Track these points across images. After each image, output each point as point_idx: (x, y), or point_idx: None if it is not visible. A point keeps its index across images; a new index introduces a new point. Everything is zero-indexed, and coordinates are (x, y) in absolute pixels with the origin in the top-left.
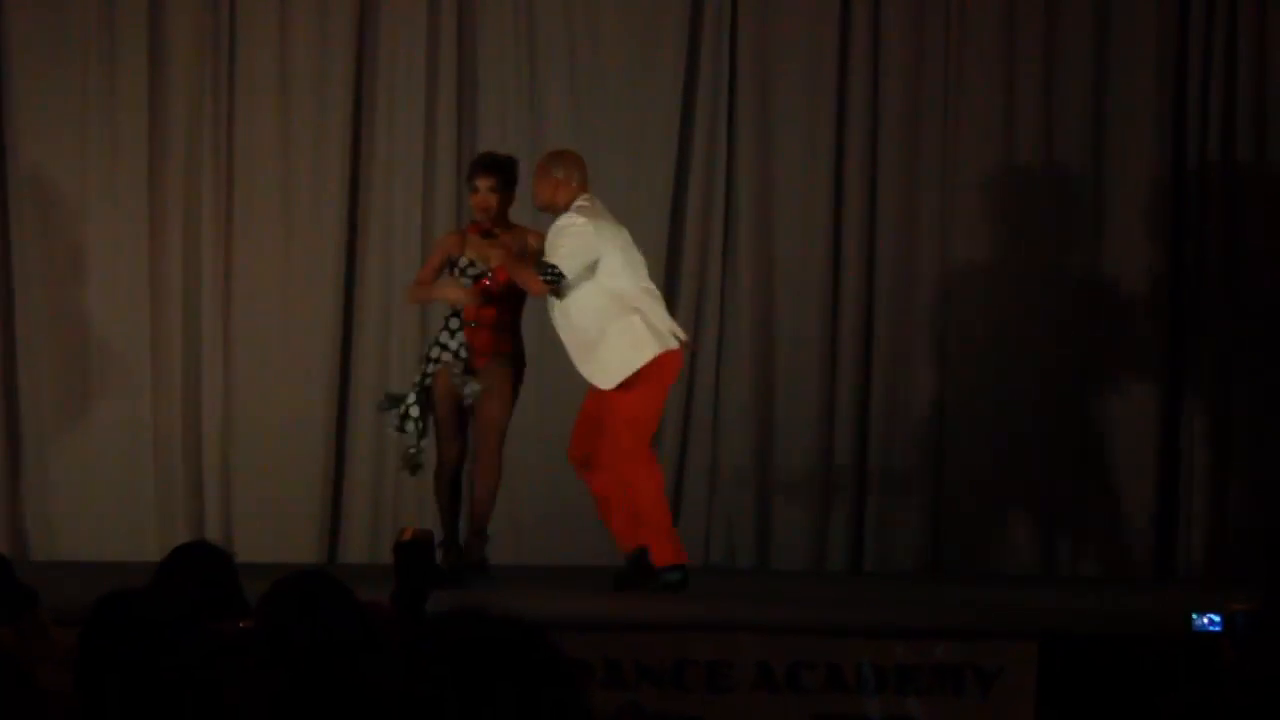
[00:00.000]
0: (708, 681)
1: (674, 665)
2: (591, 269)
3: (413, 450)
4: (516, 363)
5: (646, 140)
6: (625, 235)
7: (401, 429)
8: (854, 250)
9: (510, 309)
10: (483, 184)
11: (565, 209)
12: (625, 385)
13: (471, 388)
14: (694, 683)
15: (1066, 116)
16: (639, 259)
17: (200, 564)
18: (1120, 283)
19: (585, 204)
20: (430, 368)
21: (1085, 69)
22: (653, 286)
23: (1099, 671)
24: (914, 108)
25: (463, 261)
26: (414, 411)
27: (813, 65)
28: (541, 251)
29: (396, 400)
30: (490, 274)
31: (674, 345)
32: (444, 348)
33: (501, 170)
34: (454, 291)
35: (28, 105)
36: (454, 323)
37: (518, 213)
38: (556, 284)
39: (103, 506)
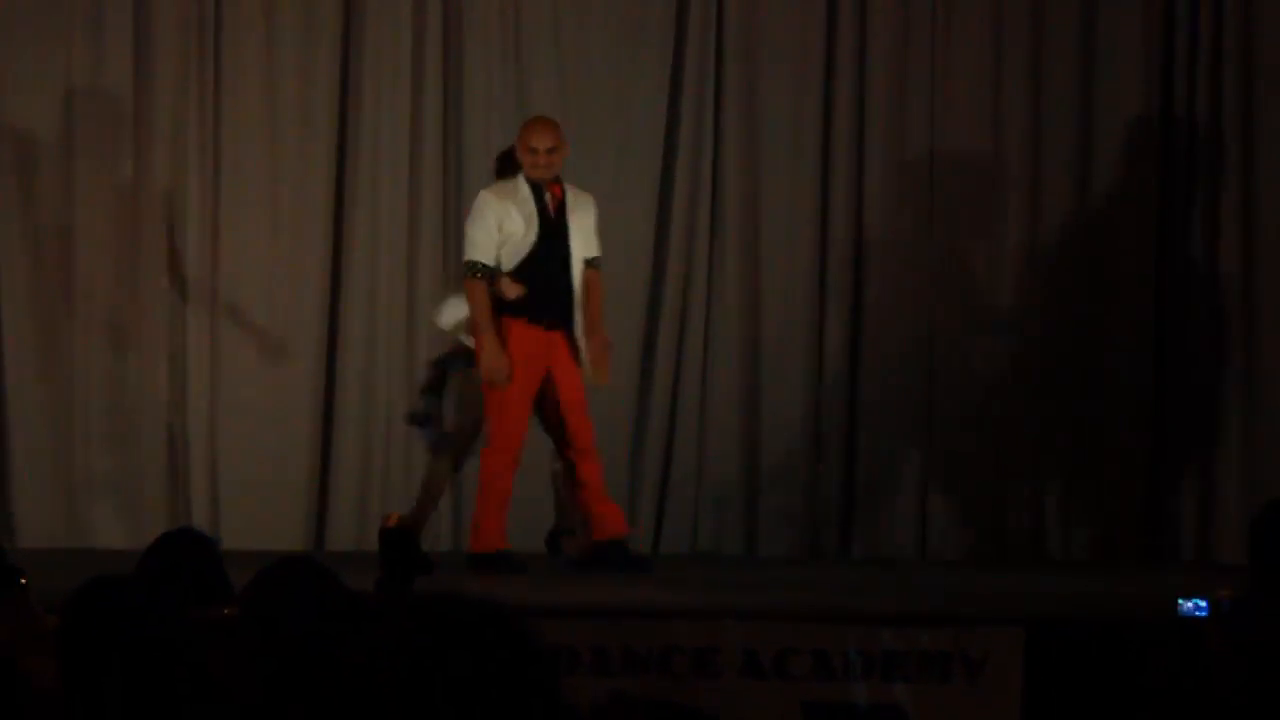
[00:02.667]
0: (695, 668)
1: (661, 652)
2: None
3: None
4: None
5: (632, 138)
6: None
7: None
8: (840, 242)
9: None
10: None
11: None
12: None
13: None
14: (681, 669)
15: (1053, 103)
16: None
17: (185, 551)
18: (1108, 267)
19: None
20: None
21: (1073, 55)
22: None
23: (1086, 657)
24: (900, 98)
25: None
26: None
27: (799, 61)
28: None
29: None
30: None
31: None
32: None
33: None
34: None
35: (12, 102)
36: None
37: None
38: None
39: (87, 493)
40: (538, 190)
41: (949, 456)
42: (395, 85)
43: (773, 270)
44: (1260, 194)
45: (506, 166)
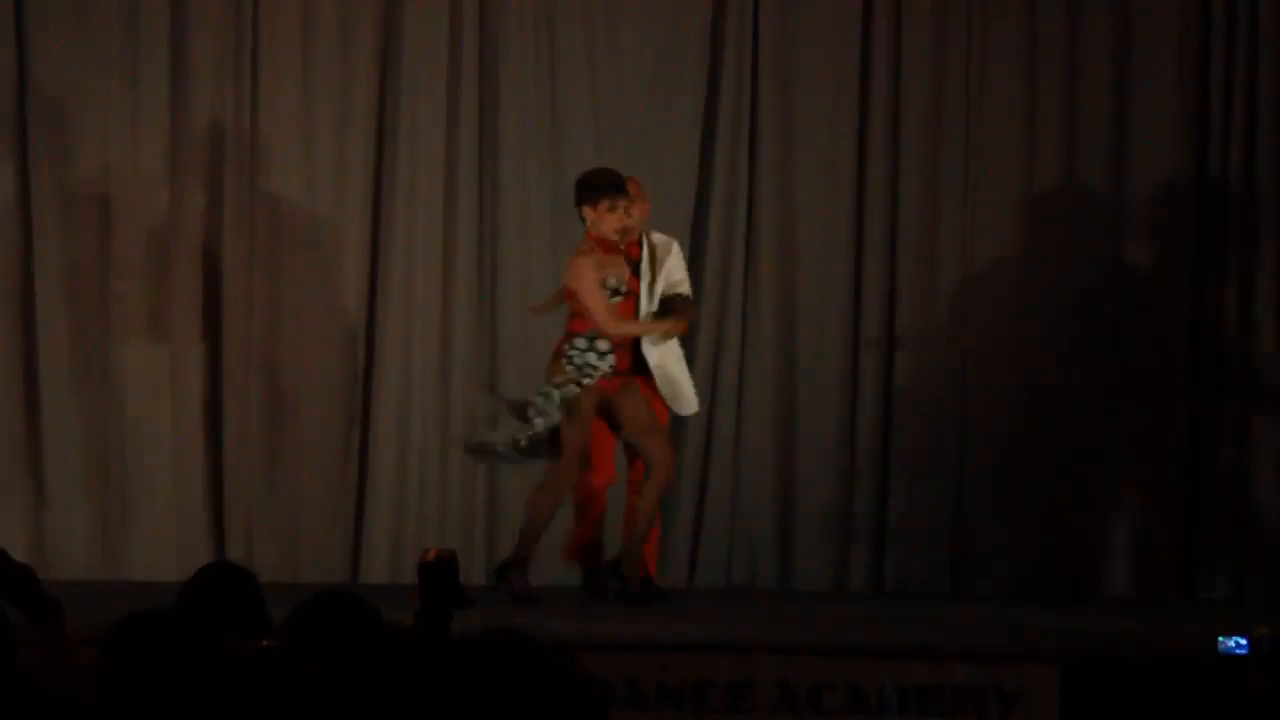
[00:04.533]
0: (729, 702)
1: (696, 686)
2: None
3: (527, 438)
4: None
5: (668, 161)
6: None
7: (529, 450)
8: (876, 274)
9: None
10: (624, 203)
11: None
12: None
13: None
14: (716, 704)
15: (1088, 125)
16: None
17: (225, 584)
18: (1142, 303)
19: None
20: (571, 389)
21: (1106, 75)
22: None
23: (1122, 695)
24: (936, 123)
25: (611, 282)
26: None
27: (834, 85)
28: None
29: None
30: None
31: None
32: (595, 368)
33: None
34: (675, 325)
35: (50, 119)
36: (602, 344)
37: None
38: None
39: (125, 527)
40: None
41: (984, 490)
42: (430, 128)
43: (806, 308)
44: None
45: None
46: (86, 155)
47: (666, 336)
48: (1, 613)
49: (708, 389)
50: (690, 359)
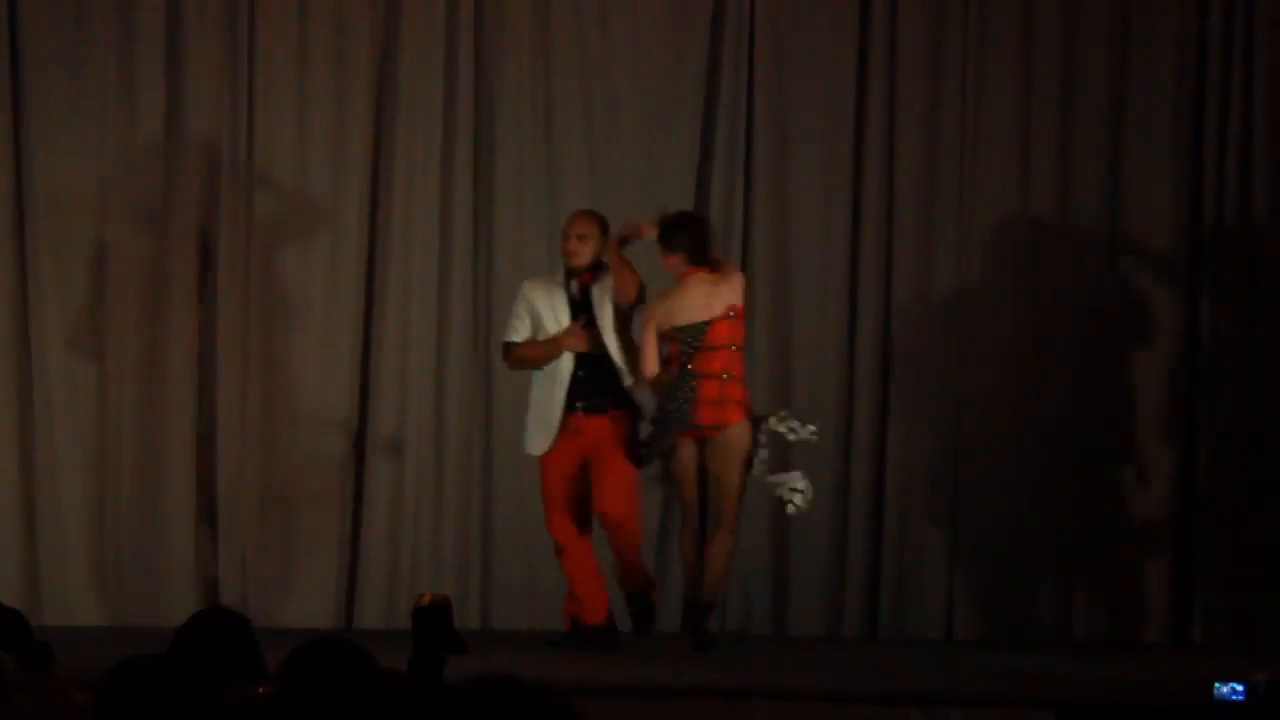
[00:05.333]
0: None
1: None
2: None
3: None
4: None
5: (663, 176)
6: None
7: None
8: (870, 297)
9: None
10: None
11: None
12: None
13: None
14: None
15: (1084, 130)
16: None
17: (219, 629)
18: (1139, 337)
19: None
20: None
21: (1102, 89)
22: None
23: None
24: (932, 132)
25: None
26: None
27: (830, 102)
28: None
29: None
30: None
31: None
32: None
33: None
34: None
35: (43, 134)
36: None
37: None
38: None
39: (118, 571)
40: (568, 275)
41: (978, 535)
42: (426, 173)
43: (802, 354)
44: None
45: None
46: (80, 158)
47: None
48: None
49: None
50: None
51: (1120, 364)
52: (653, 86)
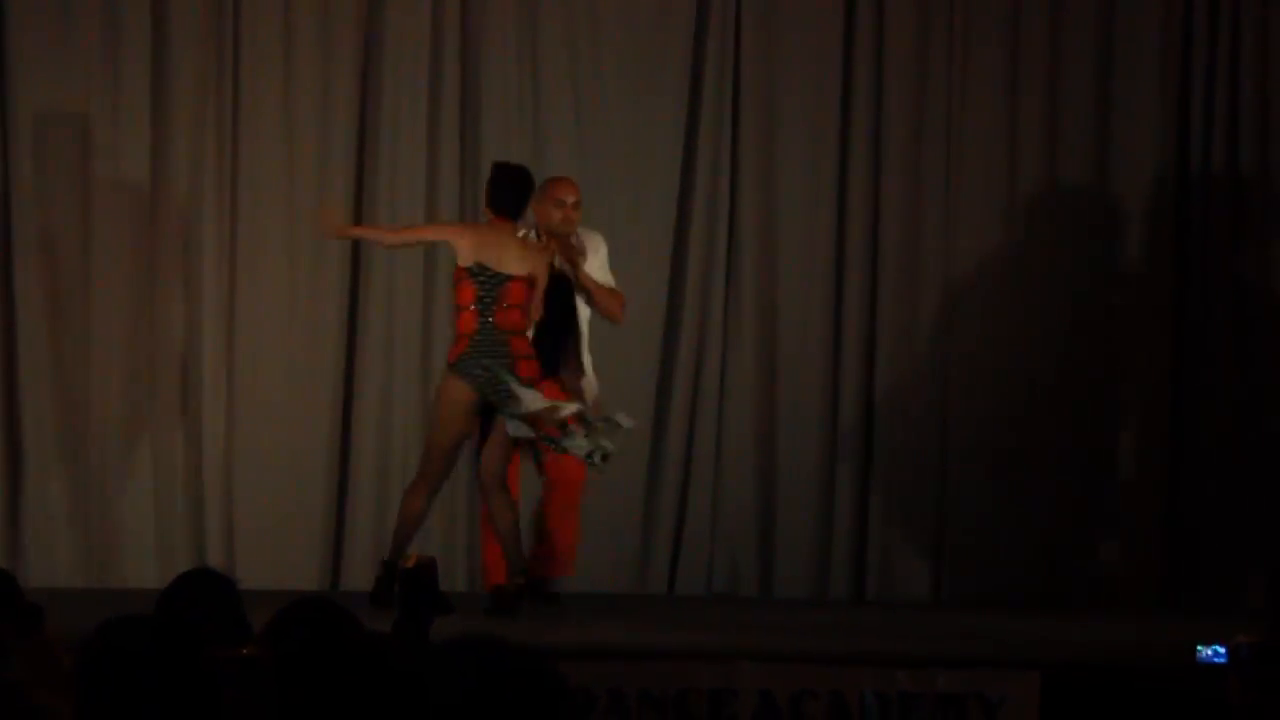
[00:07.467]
0: (711, 710)
1: (677, 694)
2: None
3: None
4: None
5: (649, 163)
6: None
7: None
8: (857, 278)
9: None
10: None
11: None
12: None
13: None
14: (697, 712)
15: (1070, 125)
16: None
17: (204, 591)
18: (1126, 302)
19: None
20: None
21: (1088, 76)
22: None
23: (1102, 703)
24: (918, 123)
25: None
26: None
27: (817, 86)
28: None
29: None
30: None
31: None
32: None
33: None
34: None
35: (28, 128)
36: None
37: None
38: None
39: (103, 533)
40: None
41: (965, 498)
42: (412, 146)
43: (789, 317)
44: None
45: (511, 211)
46: (68, 160)
47: None
48: None
49: (690, 395)
50: (670, 374)
51: (1108, 327)
52: (639, 60)
